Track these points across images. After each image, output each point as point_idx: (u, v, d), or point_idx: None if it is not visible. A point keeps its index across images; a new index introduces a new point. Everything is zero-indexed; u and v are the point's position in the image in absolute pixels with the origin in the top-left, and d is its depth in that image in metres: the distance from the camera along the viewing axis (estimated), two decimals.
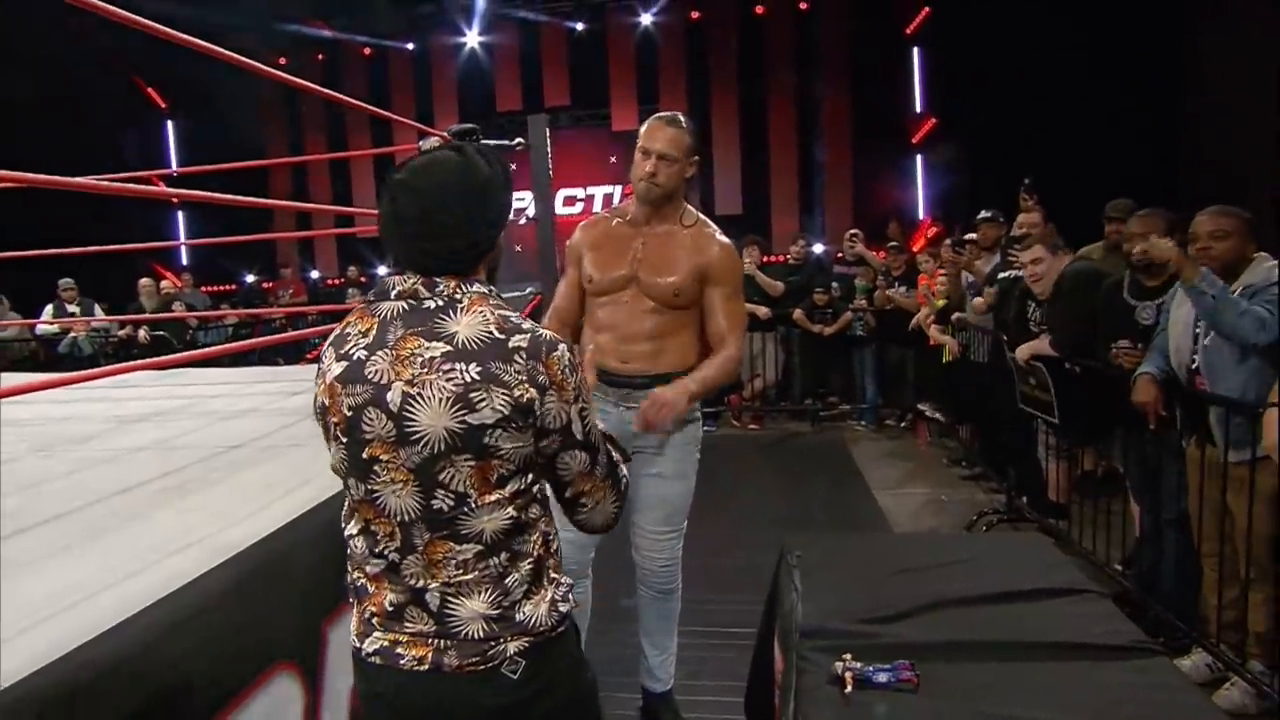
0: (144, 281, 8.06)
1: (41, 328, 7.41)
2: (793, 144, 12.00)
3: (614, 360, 2.26)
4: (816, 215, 11.88)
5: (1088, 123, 7.96)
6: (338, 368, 1.20)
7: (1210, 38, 7.50)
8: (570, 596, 1.27)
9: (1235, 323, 2.40)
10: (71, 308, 7.43)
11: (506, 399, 1.14)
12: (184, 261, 11.93)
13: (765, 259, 7.02)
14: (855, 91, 11.43)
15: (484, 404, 1.13)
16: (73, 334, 7.34)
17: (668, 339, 2.27)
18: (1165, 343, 2.73)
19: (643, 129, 2.30)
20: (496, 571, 1.18)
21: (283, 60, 11.22)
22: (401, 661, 1.19)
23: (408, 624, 1.20)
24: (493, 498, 1.17)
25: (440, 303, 1.18)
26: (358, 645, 1.25)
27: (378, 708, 1.25)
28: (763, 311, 6.36)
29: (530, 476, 1.21)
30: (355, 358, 1.19)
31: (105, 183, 2.21)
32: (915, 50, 11.11)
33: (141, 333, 7.40)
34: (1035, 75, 8.25)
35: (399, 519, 1.18)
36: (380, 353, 1.17)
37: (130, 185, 2.25)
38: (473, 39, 12.40)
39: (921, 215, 10.97)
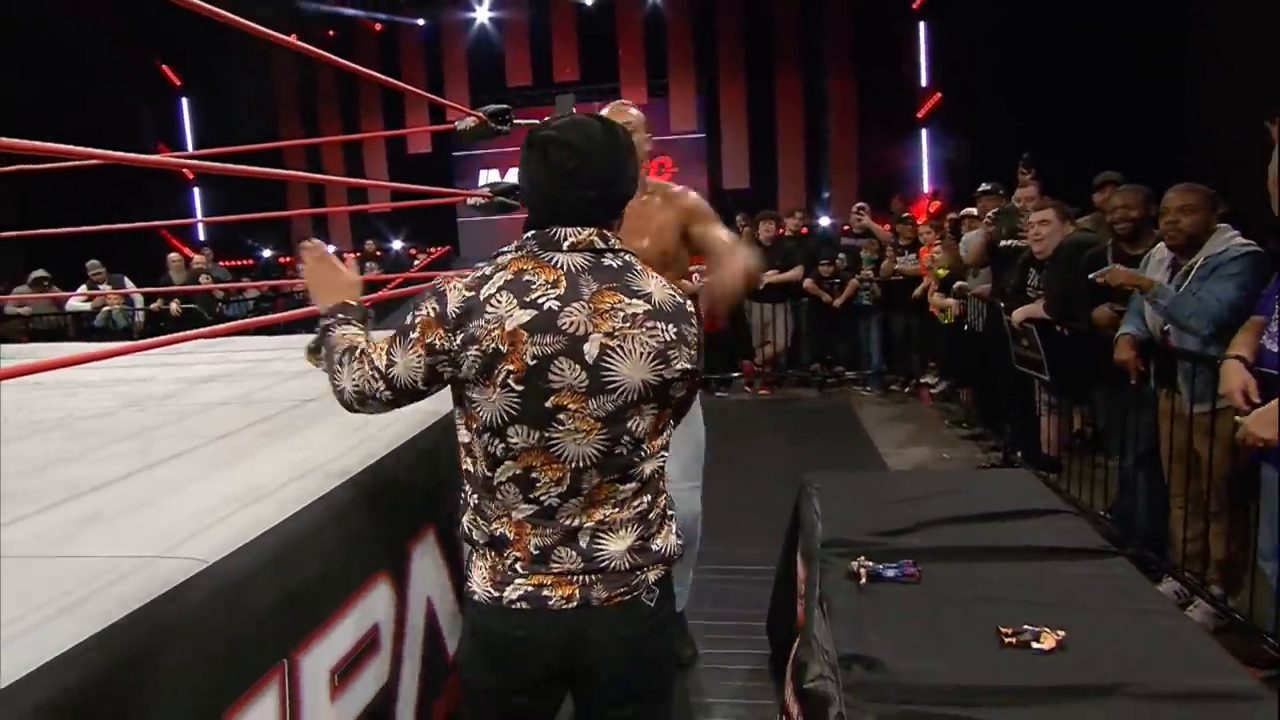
0: (173, 256, 8.33)
1: (71, 304, 7.68)
2: (799, 119, 12.14)
3: None
4: (823, 189, 12.06)
5: (1093, 97, 8.03)
6: (524, 315, 1.22)
7: (1218, 11, 7.59)
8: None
9: (1186, 322, 2.76)
10: (103, 286, 7.72)
11: (689, 356, 1.29)
12: (201, 238, 12.19)
13: (779, 231, 7.27)
14: (861, 66, 11.53)
15: (677, 360, 1.27)
16: (107, 308, 7.63)
17: None
18: (1140, 305, 3.01)
19: (609, 109, 2.38)
20: (645, 507, 1.30)
21: (294, 36, 11.38)
22: (550, 602, 1.27)
23: (554, 565, 1.27)
24: (659, 442, 1.31)
25: (620, 261, 1.28)
26: (495, 594, 1.30)
27: (521, 650, 1.30)
28: (769, 274, 6.65)
29: (674, 420, 1.36)
30: (546, 308, 1.22)
31: (130, 156, 2.02)
32: (921, 25, 11.20)
33: (174, 305, 7.69)
34: (1041, 50, 8.31)
35: (574, 465, 1.25)
36: (575, 304, 1.22)
37: (152, 158, 2.30)
38: (483, 14, 12.53)
39: (926, 188, 11.14)
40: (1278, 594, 2.41)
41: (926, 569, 1.69)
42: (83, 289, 7.67)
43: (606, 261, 1.27)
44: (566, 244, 1.26)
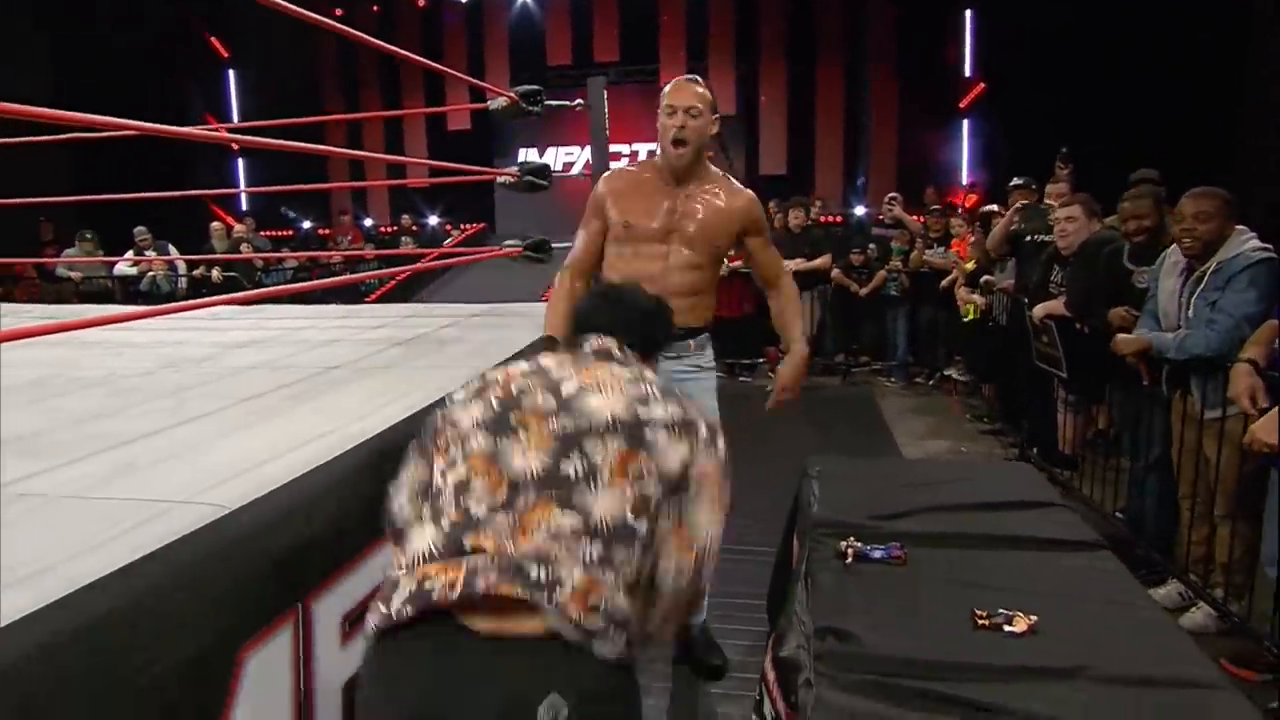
0: (215, 225, 8.56)
1: (119, 268, 7.94)
2: (839, 105, 12.04)
3: None
4: (860, 177, 11.97)
5: (1140, 92, 7.75)
6: (524, 365, 1.37)
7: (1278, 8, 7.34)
8: None
9: (1192, 351, 2.78)
10: (149, 252, 7.97)
11: (678, 414, 1.26)
12: (244, 207, 12.46)
13: (809, 220, 7.27)
14: (904, 53, 11.40)
15: (658, 406, 1.25)
16: (152, 273, 7.87)
17: (701, 295, 2.36)
18: (1155, 307, 3.01)
19: (666, 90, 2.35)
20: (590, 560, 1.12)
21: (338, 12, 11.55)
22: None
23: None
24: (627, 490, 1.16)
25: (629, 361, 1.42)
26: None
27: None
28: (795, 263, 6.67)
29: (665, 501, 1.19)
30: (543, 365, 1.36)
31: (176, 129, 2.11)
32: (967, 13, 11.03)
33: (215, 272, 7.91)
34: (1089, 42, 8.10)
35: (512, 478, 1.19)
36: (568, 368, 1.34)
37: (196, 130, 2.37)
38: None
39: (965, 180, 11.00)
40: (1277, 598, 2.42)
41: (913, 553, 1.75)
42: (129, 254, 7.92)
43: (616, 356, 1.42)
44: (589, 347, 1.43)
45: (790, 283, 2.47)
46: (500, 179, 4.04)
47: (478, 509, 1.18)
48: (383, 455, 1.90)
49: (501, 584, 1.10)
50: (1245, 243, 2.70)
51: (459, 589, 1.10)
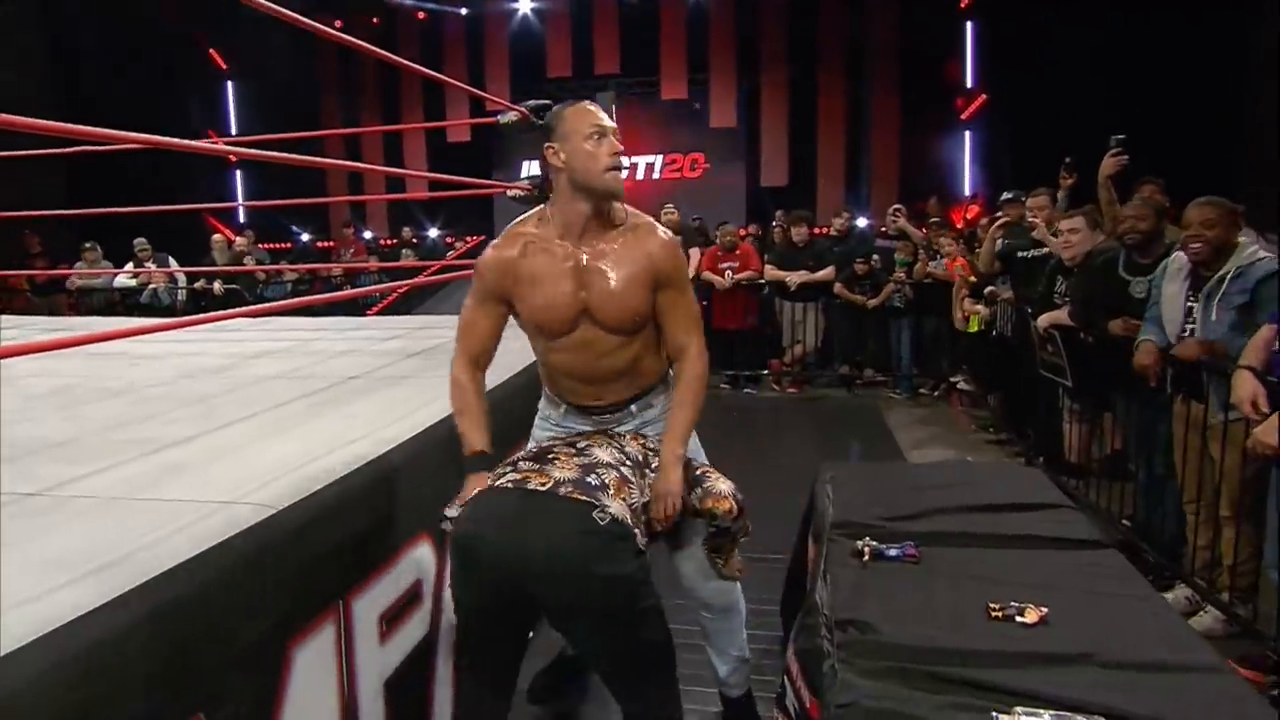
0: (216, 238, 8.59)
1: (119, 280, 7.97)
2: (841, 117, 12.07)
3: (588, 399, 2.03)
4: (862, 188, 12.03)
5: (1143, 102, 7.72)
6: None
7: None
8: None
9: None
10: (149, 265, 8.00)
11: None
12: (241, 220, 12.51)
13: (813, 232, 7.33)
14: (906, 65, 11.43)
15: None
16: (153, 285, 7.92)
17: (640, 362, 1.99)
18: (1158, 314, 3.08)
19: (573, 110, 1.88)
20: None
21: (338, 23, 11.64)
22: None
23: None
24: None
25: None
26: None
27: None
28: (792, 279, 6.76)
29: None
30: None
31: (175, 141, 2.07)
32: (968, 24, 11.11)
33: (216, 285, 7.96)
34: (1090, 53, 8.09)
35: None
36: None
37: (194, 143, 2.32)
38: (525, 5, 12.64)
39: (968, 191, 11.06)
40: None
41: (927, 551, 1.81)
42: (129, 266, 7.96)
43: None
44: None
45: (698, 358, 1.97)
46: (511, 192, 4.10)
47: None
48: (413, 460, 1.97)
49: None
50: (1256, 251, 2.79)
51: None
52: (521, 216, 2.01)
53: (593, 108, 1.89)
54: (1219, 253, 2.84)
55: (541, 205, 1.97)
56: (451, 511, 1.78)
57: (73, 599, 1.04)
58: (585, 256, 1.88)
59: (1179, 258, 2.99)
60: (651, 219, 1.98)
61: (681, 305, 1.96)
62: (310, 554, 1.47)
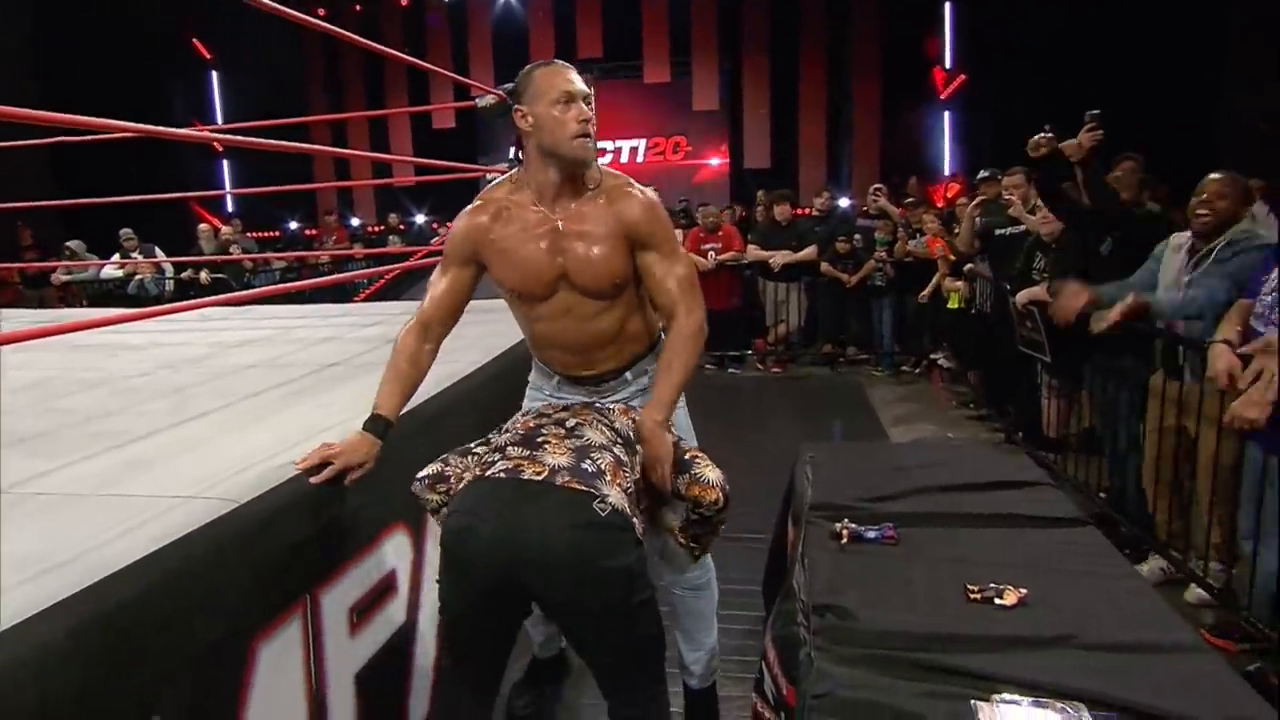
0: (203, 227, 8.53)
1: (106, 271, 7.90)
2: (822, 98, 12.11)
3: (579, 369, 1.98)
4: (844, 169, 12.05)
5: (1122, 80, 7.73)
6: None
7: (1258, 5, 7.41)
8: None
9: (1194, 312, 2.82)
10: (135, 255, 7.93)
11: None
12: (229, 209, 12.40)
13: (795, 212, 7.32)
14: (886, 46, 11.49)
15: None
16: (139, 276, 7.84)
17: (626, 327, 1.93)
18: (1143, 282, 3.09)
19: (543, 72, 1.79)
20: None
21: (321, 11, 11.50)
22: None
23: None
24: None
25: None
26: None
27: None
28: (776, 259, 6.75)
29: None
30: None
31: (162, 129, 2.09)
32: (947, 5, 11.12)
33: (203, 274, 7.88)
34: (1069, 32, 8.13)
35: None
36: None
37: (181, 131, 2.29)
38: None
39: (948, 171, 11.10)
40: (1253, 571, 2.50)
41: (905, 533, 1.80)
42: (116, 257, 7.88)
43: None
44: None
45: (686, 318, 1.86)
46: (490, 175, 4.06)
47: None
48: (387, 450, 1.94)
49: None
50: (1257, 226, 2.81)
51: None
52: (495, 181, 1.94)
53: (563, 68, 1.80)
54: (1222, 225, 2.85)
55: (514, 169, 1.90)
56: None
57: (20, 601, 1.01)
58: (560, 221, 1.82)
59: (1179, 235, 3.00)
60: (629, 178, 1.89)
61: (664, 266, 1.86)
62: (276, 547, 1.44)
